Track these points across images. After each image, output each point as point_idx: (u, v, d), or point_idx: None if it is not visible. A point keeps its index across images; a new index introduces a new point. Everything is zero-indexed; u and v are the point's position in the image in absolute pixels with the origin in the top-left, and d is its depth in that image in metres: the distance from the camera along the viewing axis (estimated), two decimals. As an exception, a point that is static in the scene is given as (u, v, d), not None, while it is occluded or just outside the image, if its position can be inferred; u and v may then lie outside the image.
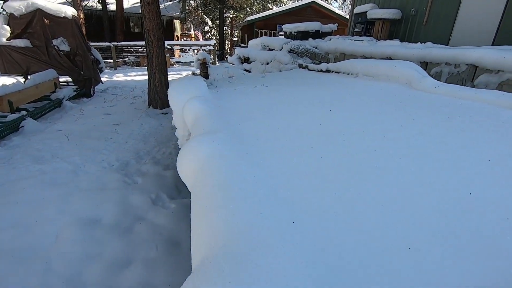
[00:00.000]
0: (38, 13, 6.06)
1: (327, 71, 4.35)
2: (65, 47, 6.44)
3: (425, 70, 3.67)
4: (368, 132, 1.62)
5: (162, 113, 5.46)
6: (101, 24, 14.88)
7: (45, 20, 6.13)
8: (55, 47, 6.31)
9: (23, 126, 4.43)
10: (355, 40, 6.33)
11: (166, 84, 5.68)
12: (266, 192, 0.98)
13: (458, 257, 0.76)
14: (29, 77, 5.83)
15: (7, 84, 4.94)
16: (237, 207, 0.85)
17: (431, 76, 3.47)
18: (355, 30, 9.14)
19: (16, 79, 7.08)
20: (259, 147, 1.43)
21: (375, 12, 7.23)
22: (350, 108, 2.17)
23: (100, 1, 14.52)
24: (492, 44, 5.16)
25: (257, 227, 0.77)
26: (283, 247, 0.72)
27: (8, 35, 6.14)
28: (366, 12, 7.52)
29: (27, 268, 1.80)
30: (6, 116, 4.51)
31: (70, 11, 6.47)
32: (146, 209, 2.41)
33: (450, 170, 1.18)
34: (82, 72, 6.66)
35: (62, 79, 6.95)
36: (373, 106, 2.18)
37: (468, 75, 3.58)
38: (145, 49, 5.48)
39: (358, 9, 8.48)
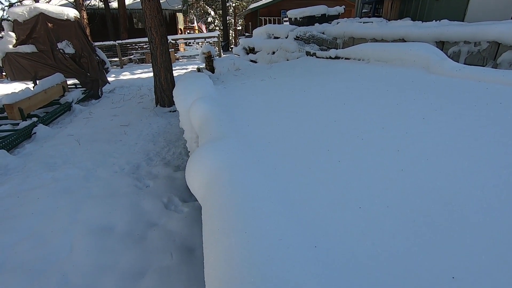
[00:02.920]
0: (41, 17, 6.03)
1: (336, 57, 4.16)
2: (70, 49, 6.42)
3: (441, 50, 3.45)
4: (388, 128, 1.49)
5: (170, 111, 5.40)
6: (104, 23, 14.84)
7: (49, 24, 6.11)
8: (61, 50, 6.31)
9: (35, 133, 4.47)
10: (364, 22, 6.04)
11: (172, 81, 5.60)
12: (282, 209, 0.89)
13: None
14: (37, 82, 5.87)
15: (17, 91, 4.98)
16: (253, 232, 0.76)
17: (449, 57, 3.25)
18: (363, 11, 8.76)
19: (25, 85, 7.15)
20: (271, 152, 1.34)
21: (384, -9, 6.86)
22: (365, 99, 2.04)
23: (102, 0, 14.43)
24: (513, 17, 4.81)
25: (276, 258, 0.69)
26: (307, 282, 0.63)
27: (14, 41, 6.17)
28: (374, -9, 7.16)
29: (45, 281, 1.79)
30: (18, 124, 4.56)
31: (72, 13, 6.42)
32: (159, 214, 2.37)
33: (487, 173, 1.05)
34: (88, 74, 6.65)
35: (69, 81, 6.99)
36: (389, 96, 2.04)
37: (489, 54, 3.34)
38: (149, 46, 5.39)
39: (365, -11, 8.09)
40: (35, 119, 4.73)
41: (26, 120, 4.67)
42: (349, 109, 1.87)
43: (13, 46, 6.13)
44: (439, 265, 0.71)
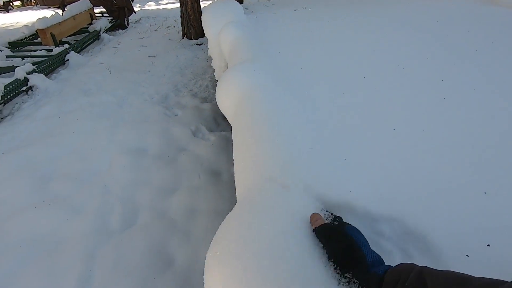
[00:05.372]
0: None
1: (382, -13, 3.69)
2: (94, -27, 6.14)
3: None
4: (434, 58, 1.37)
5: (197, 44, 5.26)
6: None
7: None
8: (85, -27, 6.05)
9: (68, 60, 4.58)
10: None
11: (199, 11, 5.33)
12: (313, 126, 0.89)
13: None
14: (65, 8, 5.81)
15: (47, 16, 4.98)
16: (283, 141, 0.78)
17: (518, -12, 2.77)
18: None
19: (54, 11, 7.10)
20: (304, 77, 1.29)
21: None
22: (411, 31, 1.85)
23: None
24: None
25: (305, 162, 0.71)
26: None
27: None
28: None
29: (89, 189, 2.03)
30: (51, 50, 4.67)
31: None
32: (187, 141, 2.49)
33: (539, 104, 0.97)
34: (114, 1, 6.44)
35: (96, 10, 6.85)
36: (440, 28, 1.83)
37: None
38: (175, -29, 5.02)
39: None
40: (67, 45, 4.81)
41: (59, 47, 4.75)
42: (390, 40, 1.72)
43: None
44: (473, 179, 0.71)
